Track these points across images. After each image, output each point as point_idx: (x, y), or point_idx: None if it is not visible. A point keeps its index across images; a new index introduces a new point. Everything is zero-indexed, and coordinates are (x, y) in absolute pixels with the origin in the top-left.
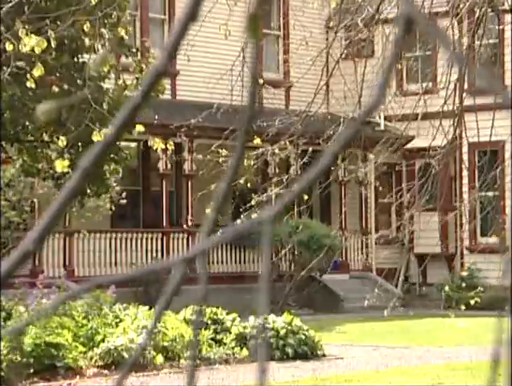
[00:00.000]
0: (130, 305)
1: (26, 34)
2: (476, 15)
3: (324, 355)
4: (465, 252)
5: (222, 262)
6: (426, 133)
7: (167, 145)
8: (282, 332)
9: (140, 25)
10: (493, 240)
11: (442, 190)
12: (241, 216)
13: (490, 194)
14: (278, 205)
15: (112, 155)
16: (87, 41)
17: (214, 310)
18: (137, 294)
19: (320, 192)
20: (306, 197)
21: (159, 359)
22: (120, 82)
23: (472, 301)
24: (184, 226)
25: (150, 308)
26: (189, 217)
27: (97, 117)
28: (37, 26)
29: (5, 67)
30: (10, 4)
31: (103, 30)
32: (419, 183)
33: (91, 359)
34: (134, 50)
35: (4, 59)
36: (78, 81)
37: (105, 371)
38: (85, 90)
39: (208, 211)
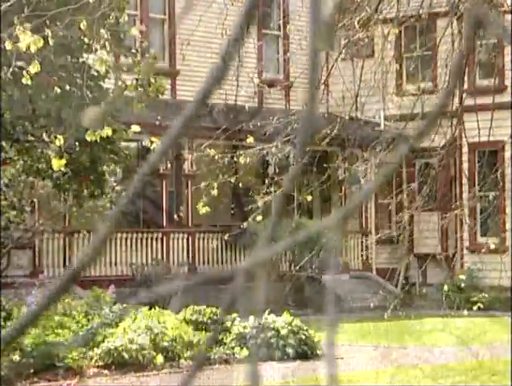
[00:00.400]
0: (129, 305)
1: (23, 32)
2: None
3: (324, 355)
4: (465, 252)
5: (224, 262)
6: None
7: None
8: (283, 332)
9: (140, 25)
10: (493, 240)
11: (442, 190)
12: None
13: (490, 194)
14: (339, 215)
15: (112, 156)
16: (86, 40)
17: (214, 310)
18: (137, 295)
19: (319, 192)
20: (309, 198)
21: (159, 359)
22: (120, 83)
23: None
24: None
25: (151, 308)
26: (189, 217)
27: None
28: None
29: (5, 67)
30: (9, 3)
31: (102, 30)
32: (418, 183)
33: (91, 359)
34: (134, 50)
35: (4, 59)
36: (78, 81)
37: (105, 371)
38: (85, 90)
39: (266, 221)
